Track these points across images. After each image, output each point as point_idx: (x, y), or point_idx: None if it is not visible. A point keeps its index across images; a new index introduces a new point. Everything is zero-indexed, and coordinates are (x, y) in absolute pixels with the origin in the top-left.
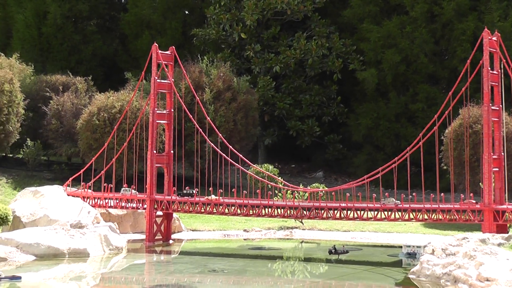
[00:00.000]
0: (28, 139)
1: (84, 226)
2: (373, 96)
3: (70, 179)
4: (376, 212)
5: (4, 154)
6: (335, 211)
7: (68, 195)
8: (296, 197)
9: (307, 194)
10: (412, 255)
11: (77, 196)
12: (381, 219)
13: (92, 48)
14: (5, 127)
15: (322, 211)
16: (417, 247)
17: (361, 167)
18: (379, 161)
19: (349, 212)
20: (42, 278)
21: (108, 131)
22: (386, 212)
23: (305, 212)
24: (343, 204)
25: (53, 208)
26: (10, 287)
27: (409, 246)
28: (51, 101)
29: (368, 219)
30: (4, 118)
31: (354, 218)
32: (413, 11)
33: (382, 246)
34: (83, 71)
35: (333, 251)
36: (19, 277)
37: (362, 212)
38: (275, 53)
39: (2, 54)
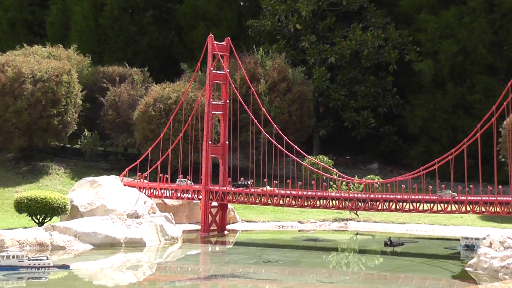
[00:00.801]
0: (85, 129)
1: (140, 216)
2: (430, 87)
3: (127, 169)
4: (432, 204)
5: (62, 145)
6: (391, 203)
7: (124, 185)
8: (351, 188)
9: (362, 186)
10: (471, 248)
11: (133, 186)
12: (437, 212)
13: (148, 39)
14: (63, 117)
15: (378, 202)
16: (476, 239)
17: (417, 159)
18: (435, 153)
19: (404, 204)
20: (99, 267)
21: (164, 122)
22: (442, 205)
23: (360, 203)
24: (399, 196)
25: (110, 198)
26: (69, 276)
27: (467, 239)
28: (108, 92)
29: (424, 211)
30: (63, 109)
31: (409, 210)
32: (472, 1)
33: (438, 238)
34: (139, 62)
35: (388, 243)
36: (68, 266)
37: (418, 204)
38: (330, 44)
39: (61, 45)
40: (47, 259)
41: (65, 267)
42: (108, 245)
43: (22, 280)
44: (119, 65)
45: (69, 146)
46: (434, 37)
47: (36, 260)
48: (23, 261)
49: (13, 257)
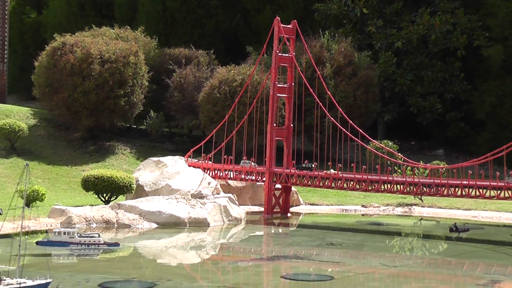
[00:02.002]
0: (151, 110)
1: (204, 196)
2: (499, 73)
3: (191, 150)
4: (499, 191)
5: (128, 125)
6: (456, 189)
7: (189, 166)
8: (416, 173)
9: (427, 171)
10: None
11: (197, 167)
12: (504, 198)
13: (214, 22)
14: (130, 98)
15: (443, 188)
16: None
17: (484, 145)
18: (503, 139)
19: (470, 190)
20: (163, 245)
21: (229, 104)
22: (510, 191)
23: (425, 188)
24: (465, 182)
25: (175, 178)
26: (134, 253)
27: None
28: (173, 74)
29: (490, 197)
30: (129, 90)
31: (476, 196)
32: None
33: (504, 225)
34: (205, 45)
35: (454, 228)
36: (118, 244)
37: (485, 190)
38: (397, 29)
39: (128, 27)
40: (99, 236)
41: (115, 245)
42: (172, 224)
43: (73, 256)
44: (185, 47)
45: (135, 126)
46: (505, 22)
47: (87, 237)
48: (73, 237)
49: (64, 233)
